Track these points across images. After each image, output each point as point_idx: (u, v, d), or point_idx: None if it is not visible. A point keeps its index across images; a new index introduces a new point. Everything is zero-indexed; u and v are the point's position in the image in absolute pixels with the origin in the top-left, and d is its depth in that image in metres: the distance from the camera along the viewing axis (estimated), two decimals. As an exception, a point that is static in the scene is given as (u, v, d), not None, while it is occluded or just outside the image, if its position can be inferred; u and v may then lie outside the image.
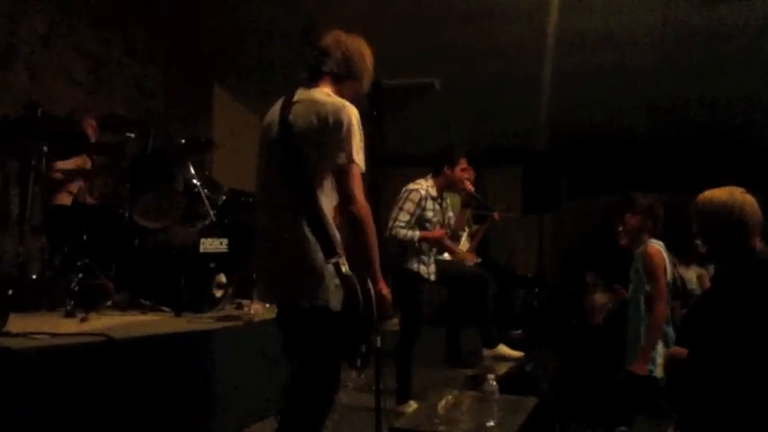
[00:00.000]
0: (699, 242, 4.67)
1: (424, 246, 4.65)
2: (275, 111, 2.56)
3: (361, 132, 2.42)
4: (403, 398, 4.49)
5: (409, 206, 4.60)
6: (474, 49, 7.16)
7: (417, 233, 4.56)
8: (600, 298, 5.77)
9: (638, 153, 9.80)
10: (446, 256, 5.25)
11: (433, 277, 4.74)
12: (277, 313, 2.61)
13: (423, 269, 4.65)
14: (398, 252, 4.58)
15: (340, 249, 2.39)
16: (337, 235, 2.42)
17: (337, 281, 2.35)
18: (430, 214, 4.67)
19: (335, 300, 2.36)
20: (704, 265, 5.05)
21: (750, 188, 2.62)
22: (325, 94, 2.48)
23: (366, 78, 2.63)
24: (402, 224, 4.56)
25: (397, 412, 4.16)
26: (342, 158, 2.35)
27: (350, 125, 2.37)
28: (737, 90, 7.84)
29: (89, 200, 5.11)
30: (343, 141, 2.35)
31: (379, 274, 2.43)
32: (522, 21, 6.53)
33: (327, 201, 2.42)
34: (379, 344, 2.84)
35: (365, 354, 2.44)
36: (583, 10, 6.24)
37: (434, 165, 4.81)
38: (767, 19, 6.22)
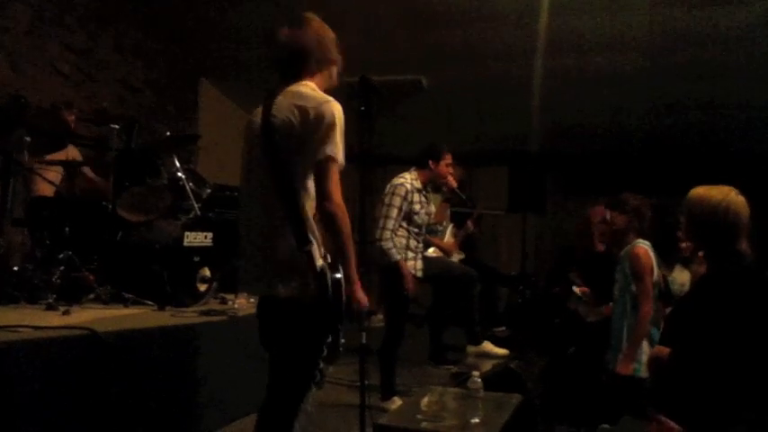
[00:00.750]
0: (684, 245, 4.71)
1: (411, 242, 4.65)
2: (260, 107, 2.56)
3: (343, 129, 2.40)
4: (387, 394, 4.49)
5: (397, 201, 4.60)
6: (464, 49, 7.17)
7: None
8: (583, 311, 5.78)
9: (627, 155, 9.85)
10: (431, 251, 5.26)
11: (419, 274, 4.74)
12: (257, 304, 2.60)
13: (411, 264, 4.65)
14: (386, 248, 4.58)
15: (315, 241, 2.38)
16: (314, 228, 2.41)
17: (309, 271, 2.34)
18: (417, 207, 4.68)
19: (306, 290, 2.35)
20: (688, 266, 5.08)
21: (739, 191, 2.62)
22: (310, 88, 2.47)
23: (337, 66, 2.61)
24: (391, 226, 4.57)
25: (381, 409, 4.15)
26: (320, 154, 2.34)
27: (332, 121, 2.35)
28: (727, 93, 7.89)
29: (98, 183, 5.06)
30: (322, 137, 2.34)
31: (353, 274, 2.40)
32: (511, 22, 6.54)
33: (307, 195, 2.40)
34: (364, 340, 2.84)
35: (332, 346, 2.42)
36: (573, 12, 6.27)
37: (419, 158, 4.81)
38: (757, 22, 6.27)
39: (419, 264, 4.74)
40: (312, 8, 2.62)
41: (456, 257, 5.94)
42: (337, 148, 2.36)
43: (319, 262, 2.36)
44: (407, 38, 6.95)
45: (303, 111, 2.37)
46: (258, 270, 2.47)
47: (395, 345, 4.59)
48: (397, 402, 4.35)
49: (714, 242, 2.58)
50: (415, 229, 4.72)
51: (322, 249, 2.42)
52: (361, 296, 2.43)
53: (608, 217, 4.14)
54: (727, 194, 2.56)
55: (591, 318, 5.36)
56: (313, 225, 2.41)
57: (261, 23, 6.77)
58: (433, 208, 4.98)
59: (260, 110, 2.52)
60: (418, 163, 4.81)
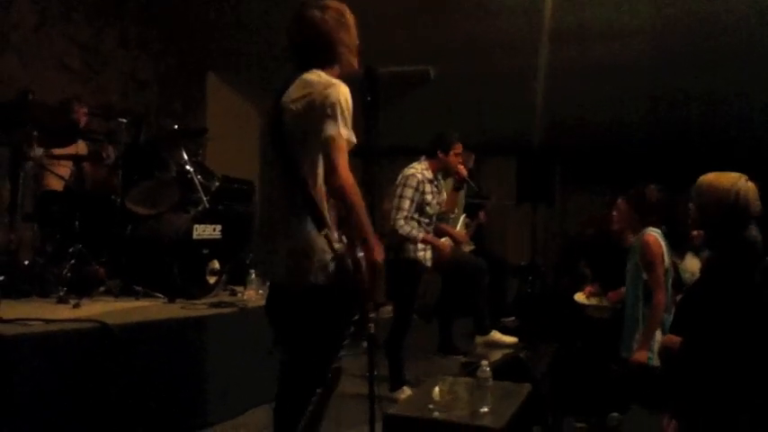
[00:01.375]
0: (695, 233, 4.69)
1: (421, 233, 4.67)
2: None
3: (351, 109, 2.40)
4: (396, 385, 4.50)
5: (409, 192, 4.60)
6: (470, 40, 7.15)
7: (420, 234, 4.59)
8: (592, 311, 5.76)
9: (634, 146, 9.81)
10: (444, 240, 5.26)
11: (429, 263, 4.75)
12: (268, 294, 2.60)
13: (421, 255, 4.66)
14: (397, 241, 4.59)
15: (329, 223, 2.39)
16: (329, 211, 2.42)
17: (327, 255, 2.35)
18: (429, 197, 4.68)
19: (324, 275, 2.36)
20: (698, 254, 5.06)
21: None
22: (316, 75, 2.46)
23: (354, 54, 2.58)
24: (404, 215, 4.57)
25: (391, 399, 4.17)
26: (328, 131, 2.34)
27: (337, 101, 2.35)
28: (734, 84, 7.84)
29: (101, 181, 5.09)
30: (329, 116, 2.34)
31: (372, 240, 2.37)
32: (517, 13, 6.52)
33: (319, 177, 2.41)
34: (372, 330, 2.84)
35: (359, 322, 2.42)
36: (578, 3, 6.24)
37: (429, 148, 4.81)
38: (762, 12, 6.22)
39: (429, 254, 4.74)
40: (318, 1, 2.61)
41: (466, 248, 5.94)
42: (343, 125, 2.35)
43: (337, 245, 2.36)
44: (412, 29, 6.94)
45: (311, 95, 2.38)
46: (275, 257, 2.48)
47: (401, 335, 4.60)
48: (406, 392, 4.37)
49: (724, 228, 2.56)
50: (426, 220, 4.72)
51: (335, 234, 2.41)
52: (377, 257, 2.37)
53: (618, 204, 4.14)
54: (737, 181, 2.54)
55: (602, 314, 5.34)
56: (326, 210, 2.41)
57: (267, 15, 6.77)
58: (444, 196, 4.98)
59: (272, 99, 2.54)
60: (428, 153, 4.81)
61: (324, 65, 2.50)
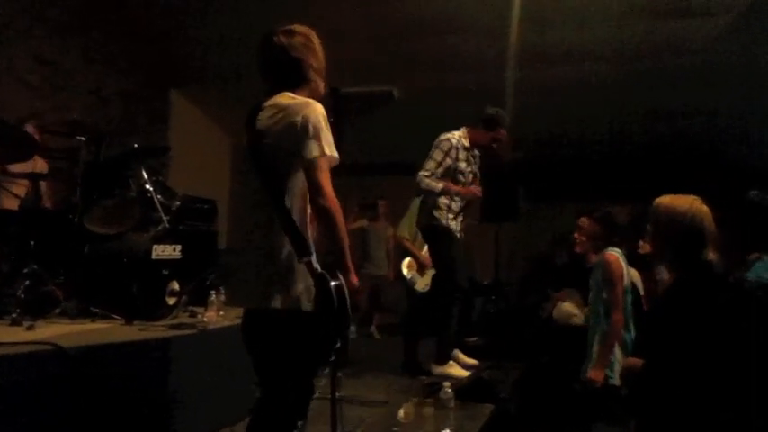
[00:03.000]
0: (641, 244, 4.76)
1: (453, 204, 4.72)
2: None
3: (329, 126, 2.41)
4: (442, 359, 4.66)
5: (437, 154, 4.67)
6: (435, 59, 7.21)
7: (440, 185, 4.65)
8: (568, 308, 5.80)
9: (597, 162, 9.96)
10: (406, 262, 5.25)
11: (460, 235, 4.80)
12: (243, 320, 2.57)
13: (453, 225, 4.73)
14: (430, 208, 4.71)
15: (312, 249, 2.38)
16: (311, 234, 2.42)
17: (310, 280, 2.34)
18: (463, 165, 4.76)
19: (307, 300, 2.36)
20: (644, 268, 5.12)
21: (706, 197, 2.65)
22: (288, 97, 2.47)
23: (321, 77, 2.60)
24: (427, 173, 4.63)
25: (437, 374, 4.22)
26: (310, 153, 2.34)
27: (316, 120, 2.37)
28: (696, 101, 8.03)
29: (46, 202, 4.99)
30: (310, 137, 2.35)
31: (350, 266, 2.40)
32: (482, 33, 6.60)
33: (303, 201, 2.41)
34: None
35: (340, 350, 2.39)
36: (542, 24, 6.34)
37: (477, 119, 4.88)
38: (718, 33, 6.39)
39: (458, 225, 4.79)
40: (283, 19, 2.62)
41: (430, 272, 5.92)
42: (326, 145, 2.37)
43: (318, 270, 2.35)
44: (379, 48, 6.97)
45: (288, 118, 2.39)
46: (261, 281, 2.46)
47: (449, 306, 4.66)
48: (453, 367, 4.52)
49: (681, 251, 2.60)
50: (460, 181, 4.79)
51: (315, 259, 2.39)
52: (355, 282, 2.40)
53: (580, 223, 4.18)
54: (692, 204, 2.59)
55: (575, 321, 5.37)
56: (308, 232, 2.41)
57: (231, 33, 6.76)
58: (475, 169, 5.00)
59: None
60: (473, 121, 4.88)
61: (294, 88, 2.52)
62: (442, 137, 4.74)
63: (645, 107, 8.26)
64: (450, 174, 4.69)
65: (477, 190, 4.88)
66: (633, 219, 4.27)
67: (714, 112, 8.35)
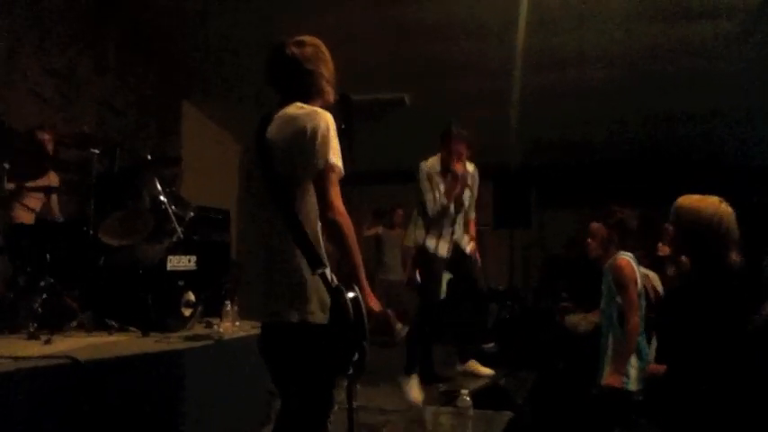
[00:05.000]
0: (660, 245, 4.72)
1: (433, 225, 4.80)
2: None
3: (336, 137, 2.40)
4: (409, 370, 4.72)
5: (425, 186, 4.81)
6: (445, 65, 7.21)
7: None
8: (575, 318, 5.77)
9: (607, 165, 9.92)
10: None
11: (442, 252, 4.84)
12: (261, 334, 2.56)
13: (430, 244, 4.81)
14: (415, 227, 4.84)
15: (326, 261, 2.36)
16: (323, 246, 2.40)
17: (324, 292, 2.32)
18: (442, 188, 4.81)
19: (323, 313, 2.34)
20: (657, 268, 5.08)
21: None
22: (297, 107, 2.47)
23: (332, 86, 2.61)
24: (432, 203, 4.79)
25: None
26: (319, 164, 2.33)
27: (326, 130, 2.36)
28: (701, 105, 8.00)
29: (57, 216, 5.01)
30: (319, 147, 2.34)
31: (364, 282, 2.37)
32: (492, 38, 6.59)
33: (314, 212, 2.39)
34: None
35: (358, 362, 2.36)
36: (551, 28, 6.33)
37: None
38: (727, 36, 6.37)
39: (443, 243, 4.85)
40: (292, 27, 2.62)
41: (445, 277, 5.91)
42: (335, 156, 2.36)
43: (334, 282, 2.34)
44: (387, 53, 6.98)
45: (298, 128, 2.38)
46: (271, 296, 2.44)
47: (424, 322, 4.84)
48: (414, 380, 4.65)
49: (706, 254, 2.56)
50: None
51: (329, 272, 2.38)
52: (374, 303, 2.39)
53: (592, 228, 4.15)
54: (718, 206, 2.55)
55: (582, 328, 5.33)
56: (321, 243, 2.39)
57: (242, 45, 6.79)
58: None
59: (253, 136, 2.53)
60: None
61: (305, 98, 2.51)
62: (418, 166, 4.88)
63: (655, 110, 8.24)
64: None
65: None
66: (644, 222, 4.23)
67: (724, 115, 8.32)
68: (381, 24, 6.49)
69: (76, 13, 6.37)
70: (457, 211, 4.93)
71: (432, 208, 4.69)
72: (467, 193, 4.96)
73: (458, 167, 4.88)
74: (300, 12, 5.96)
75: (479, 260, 5.19)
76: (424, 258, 4.82)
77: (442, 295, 5.51)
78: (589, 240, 4.15)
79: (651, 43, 6.59)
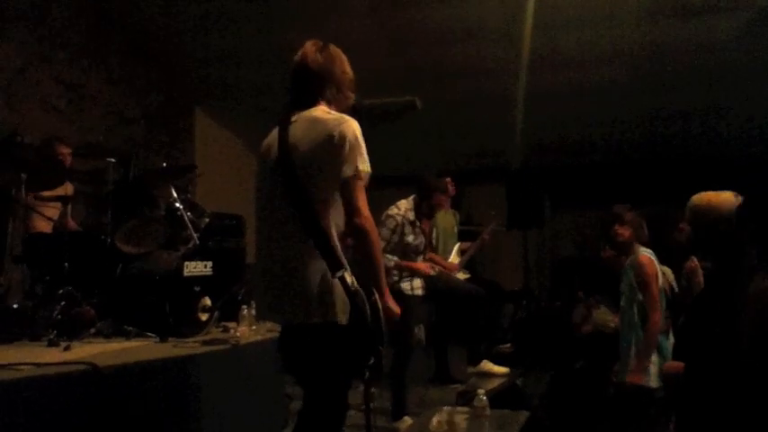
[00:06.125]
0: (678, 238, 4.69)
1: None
2: (274, 134, 2.57)
3: (363, 143, 2.42)
4: (398, 415, 4.48)
5: (385, 233, 4.63)
6: (452, 68, 7.22)
7: (392, 263, 4.62)
8: (605, 316, 5.74)
9: (617, 165, 9.90)
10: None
11: (419, 292, 4.74)
12: (281, 334, 2.59)
13: (405, 285, 4.66)
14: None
15: (346, 263, 2.38)
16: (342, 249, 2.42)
17: (344, 295, 2.34)
18: (410, 238, 4.71)
19: (343, 314, 2.36)
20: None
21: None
22: (323, 111, 2.49)
23: (351, 90, 2.64)
24: (383, 244, 4.57)
25: (393, 429, 4.14)
26: (347, 171, 2.35)
27: (354, 137, 2.38)
28: (713, 101, 7.95)
29: (72, 225, 5.06)
30: (348, 154, 2.36)
31: (384, 287, 2.41)
32: (500, 39, 6.59)
33: (337, 215, 2.41)
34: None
35: (375, 366, 2.39)
36: (557, 28, 6.33)
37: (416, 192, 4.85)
38: (738, 32, 6.33)
39: (417, 283, 4.74)
40: (301, 34, 2.65)
41: (462, 276, 5.93)
42: (362, 163, 2.38)
43: (354, 286, 2.35)
44: (395, 58, 7.00)
45: (326, 133, 2.39)
46: (292, 298, 2.46)
47: (402, 367, 4.59)
48: (407, 422, 4.34)
49: (726, 250, 2.54)
50: (411, 253, 4.75)
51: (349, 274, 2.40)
52: (393, 306, 2.43)
53: (627, 217, 4.11)
54: (734, 202, 2.53)
55: (614, 325, 5.30)
56: (341, 245, 2.41)
57: (253, 50, 6.83)
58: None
59: (273, 139, 2.54)
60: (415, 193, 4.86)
61: (330, 101, 2.54)
62: (390, 212, 4.75)
63: (663, 108, 8.20)
64: (400, 249, 4.70)
65: (425, 267, 4.89)
66: (651, 221, 4.20)
67: (728, 112, 8.27)
68: (383, 29, 6.51)
69: (85, 24, 6.44)
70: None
71: (413, 257, 4.68)
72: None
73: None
74: (308, 17, 6.00)
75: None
76: (400, 302, 4.70)
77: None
78: (617, 227, 4.05)
79: (661, 41, 6.57)
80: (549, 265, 10.12)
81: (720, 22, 6.20)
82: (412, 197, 4.84)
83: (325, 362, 2.40)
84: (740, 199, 2.54)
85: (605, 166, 9.92)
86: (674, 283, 4.71)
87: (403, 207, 4.75)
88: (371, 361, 2.37)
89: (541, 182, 8.76)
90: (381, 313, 2.36)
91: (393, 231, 4.63)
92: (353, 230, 2.37)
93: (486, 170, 9.76)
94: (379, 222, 4.66)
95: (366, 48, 6.54)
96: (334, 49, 2.59)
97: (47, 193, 4.81)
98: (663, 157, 9.67)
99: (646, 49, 6.74)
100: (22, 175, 4.33)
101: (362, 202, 2.36)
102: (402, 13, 6.29)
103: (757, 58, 6.79)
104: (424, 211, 4.85)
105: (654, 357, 3.76)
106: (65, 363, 3.20)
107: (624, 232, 3.99)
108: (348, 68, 2.62)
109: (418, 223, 4.80)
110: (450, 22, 6.38)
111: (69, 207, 5.10)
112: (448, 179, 5.39)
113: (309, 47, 2.57)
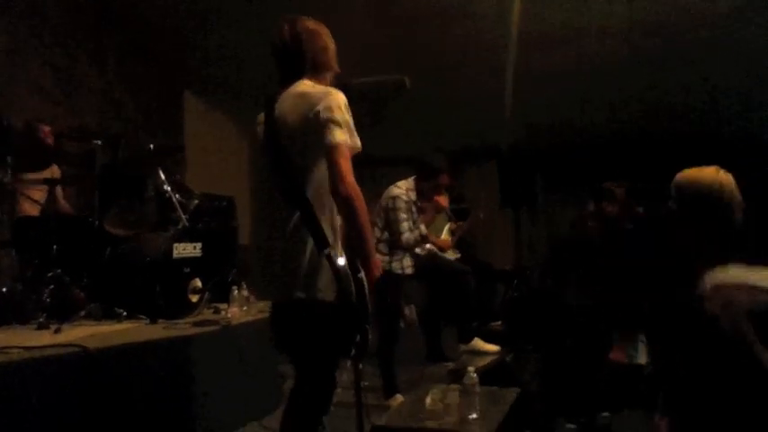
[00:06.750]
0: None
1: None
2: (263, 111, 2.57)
3: (350, 113, 2.40)
4: (390, 393, 4.51)
5: (402, 215, 4.65)
6: (443, 47, 7.17)
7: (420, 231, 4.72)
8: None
9: (610, 146, 9.88)
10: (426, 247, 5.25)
11: (409, 271, 4.74)
12: (272, 311, 2.59)
13: (395, 265, 4.66)
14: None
15: (333, 240, 2.37)
16: (336, 225, 2.41)
17: (331, 272, 2.33)
18: (413, 218, 4.73)
19: (329, 291, 2.35)
20: None
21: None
22: (309, 85, 2.47)
23: (333, 61, 2.61)
24: (408, 231, 4.62)
25: (385, 407, 4.16)
26: (331, 140, 2.32)
27: (338, 107, 2.35)
28: (710, 79, 7.92)
29: (67, 208, 5.04)
30: (331, 125, 2.33)
31: (372, 254, 2.38)
32: (490, 18, 6.55)
33: (323, 191, 2.38)
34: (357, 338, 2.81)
35: (360, 344, 2.37)
36: (548, 5, 6.28)
37: (417, 173, 4.83)
38: (730, 9, 6.30)
39: (407, 261, 4.75)
40: (293, 11, 2.61)
41: (452, 256, 5.94)
42: (348, 133, 2.36)
43: (341, 262, 2.34)
44: (383, 38, 6.94)
45: (310, 105, 2.37)
46: (284, 276, 2.45)
47: (391, 345, 4.61)
48: (399, 400, 4.36)
49: (711, 224, 2.53)
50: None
51: (338, 251, 2.39)
52: (376, 272, 2.37)
53: (591, 208, 4.14)
54: (716, 174, 2.53)
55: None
56: (334, 222, 2.41)
57: (243, 33, 6.76)
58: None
59: (263, 116, 2.54)
60: (415, 174, 4.85)
61: (313, 74, 2.52)
62: (392, 193, 4.71)
63: (655, 87, 8.17)
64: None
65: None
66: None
67: (723, 90, 8.24)
68: (379, 9, 6.45)
69: (75, 5, 6.37)
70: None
71: (407, 237, 4.65)
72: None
73: (441, 200, 4.99)
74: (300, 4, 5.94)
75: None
76: (390, 281, 4.62)
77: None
78: (605, 203, 4.05)
79: (655, 17, 6.52)
80: (546, 243, 10.13)
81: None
82: (412, 178, 4.82)
83: (311, 339, 2.40)
84: (722, 172, 2.53)
85: (599, 146, 9.90)
86: None
87: (404, 186, 4.75)
88: (357, 339, 2.36)
89: (533, 162, 8.75)
90: (367, 290, 2.34)
91: (409, 210, 4.66)
92: (337, 199, 2.34)
93: (477, 150, 9.73)
94: (379, 206, 4.70)
95: (353, 27, 6.49)
96: (309, 23, 2.56)
97: (33, 176, 4.77)
98: (658, 135, 9.65)
99: (641, 25, 6.69)
100: (8, 157, 4.29)
101: (347, 169, 2.32)
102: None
103: (754, 34, 6.75)
104: (426, 191, 4.83)
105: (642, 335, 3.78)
106: (55, 345, 3.20)
107: (612, 209, 4.00)
108: (328, 40, 2.58)
109: (419, 204, 4.80)
110: (442, 1, 6.33)
111: (60, 190, 5.08)
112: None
113: (282, 24, 2.54)
